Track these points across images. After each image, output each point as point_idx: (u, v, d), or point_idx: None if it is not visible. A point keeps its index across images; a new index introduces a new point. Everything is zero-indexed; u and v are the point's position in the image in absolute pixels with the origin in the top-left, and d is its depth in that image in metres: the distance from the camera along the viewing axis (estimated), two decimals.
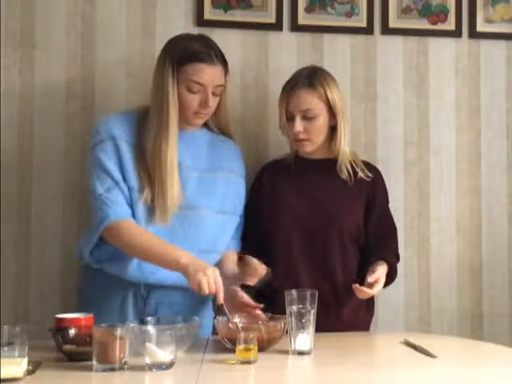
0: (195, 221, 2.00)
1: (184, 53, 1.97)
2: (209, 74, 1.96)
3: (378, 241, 2.15)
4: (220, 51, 2.02)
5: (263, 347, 1.68)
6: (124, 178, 1.95)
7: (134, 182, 1.95)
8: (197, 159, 2.05)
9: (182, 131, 2.03)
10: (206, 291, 1.75)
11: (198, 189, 2.02)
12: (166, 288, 1.98)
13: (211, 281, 1.76)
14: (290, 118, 2.13)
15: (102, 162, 1.95)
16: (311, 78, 2.13)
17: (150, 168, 1.95)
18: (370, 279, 1.96)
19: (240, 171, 2.15)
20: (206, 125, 2.12)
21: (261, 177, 2.24)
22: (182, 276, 1.84)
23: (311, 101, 2.11)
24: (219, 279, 1.78)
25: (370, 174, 2.18)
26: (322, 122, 2.13)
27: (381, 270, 2.00)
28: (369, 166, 2.23)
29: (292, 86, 2.13)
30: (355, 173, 2.17)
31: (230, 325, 1.76)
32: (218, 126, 2.13)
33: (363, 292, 1.95)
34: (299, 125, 2.11)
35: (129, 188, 1.95)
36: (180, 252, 1.85)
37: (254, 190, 2.21)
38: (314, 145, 2.16)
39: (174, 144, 1.96)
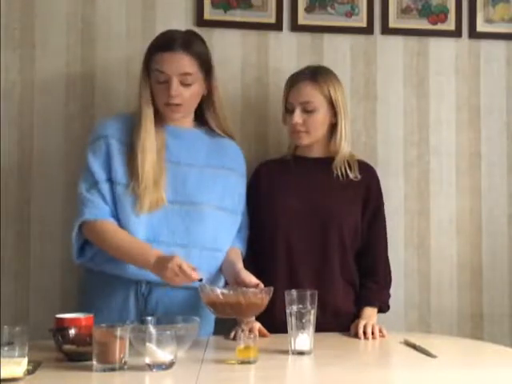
0: (196, 217, 2.00)
1: (151, 46, 2.04)
2: (169, 61, 1.99)
3: (367, 252, 2.17)
4: (190, 41, 2.02)
5: (242, 313, 1.70)
6: (111, 176, 1.98)
7: (121, 177, 1.98)
8: (195, 156, 2.06)
9: (176, 128, 2.07)
10: (178, 283, 1.82)
11: (198, 185, 2.03)
12: (167, 286, 1.97)
13: (177, 271, 1.79)
14: (290, 110, 2.16)
15: (89, 161, 2.00)
16: (315, 73, 2.16)
17: (133, 161, 1.99)
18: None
19: (240, 170, 2.15)
20: (206, 124, 2.13)
21: (258, 176, 2.23)
22: None
23: (312, 94, 2.13)
24: (181, 264, 1.79)
25: (359, 175, 2.18)
26: (321, 116, 2.14)
27: (368, 329, 1.98)
28: (365, 166, 2.23)
29: (295, 79, 2.17)
30: (352, 172, 2.18)
31: (211, 292, 1.77)
32: (217, 125, 2.13)
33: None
34: (298, 116, 2.13)
35: (114, 183, 1.97)
36: (146, 257, 1.88)
37: (251, 189, 2.20)
38: (310, 138, 2.16)
39: (148, 135, 1.99)
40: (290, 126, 2.16)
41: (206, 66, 2.06)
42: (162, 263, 1.83)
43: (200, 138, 2.11)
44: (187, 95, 2.02)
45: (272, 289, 1.79)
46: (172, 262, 1.80)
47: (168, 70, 1.99)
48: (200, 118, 2.13)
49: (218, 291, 1.77)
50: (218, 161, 2.09)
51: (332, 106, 2.15)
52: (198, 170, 2.04)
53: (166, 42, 2.01)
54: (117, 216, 1.97)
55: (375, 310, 2.10)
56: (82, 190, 1.98)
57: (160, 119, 2.05)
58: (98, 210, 1.95)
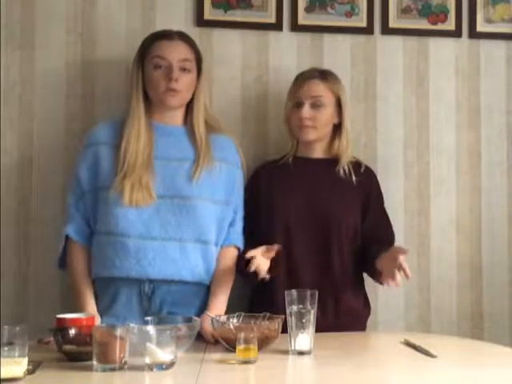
0: (187, 210, 2.01)
1: (147, 40, 2.11)
2: (169, 47, 2.06)
3: (376, 242, 2.15)
4: (186, 34, 2.12)
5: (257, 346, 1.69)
6: (98, 183, 2.02)
7: (109, 178, 2.00)
8: (185, 151, 2.07)
9: (165, 125, 2.09)
10: None
11: (188, 179, 2.03)
12: (170, 286, 1.98)
13: None
14: (298, 105, 2.17)
15: (77, 170, 2.06)
16: (324, 73, 2.21)
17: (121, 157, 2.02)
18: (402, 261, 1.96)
19: (233, 160, 2.14)
20: (194, 121, 2.11)
21: (257, 178, 2.23)
22: (181, 270, 1.96)
23: (322, 89, 2.17)
24: None
25: (359, 177, 2.19)
26: (329, 112, 2.18)
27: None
28: (365, 168, 2.25)
29: (305, 76, 2.20)
30: (351, 173, 2.19)
31: (225, 325, 1.76)
32: (206, 121, 2.13)
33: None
34: (307, 111, 2.14)
35: (101, 189, 2.00)
36: (84, 305, 1.96)
37: (250, 191, 2.20)
38: (317, 134, 2.18)
39: (135, 129, 2.03)
40: (298, 120, 2.17)
41: (199, 60, 2.12)
42: None
43: (188, 133, 2.10)
44: (186, 82, 2.05)
45: (283, 317, 1.76)
46: None
47: (169, 55, 2.04)
48: (188, 116, 2.13)
49: (231, 325, 1.76)
50: (208, 154, 2.07)
51: (339, 106, 2.19)
52: (188, 165, 2.05)
53: (163, 32, 2.10)
54: (106, 217, 1.99)
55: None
56: (69, 200, 2.06)
57: (149, 117, 2.07)
58: (75, 229, 2.02)
